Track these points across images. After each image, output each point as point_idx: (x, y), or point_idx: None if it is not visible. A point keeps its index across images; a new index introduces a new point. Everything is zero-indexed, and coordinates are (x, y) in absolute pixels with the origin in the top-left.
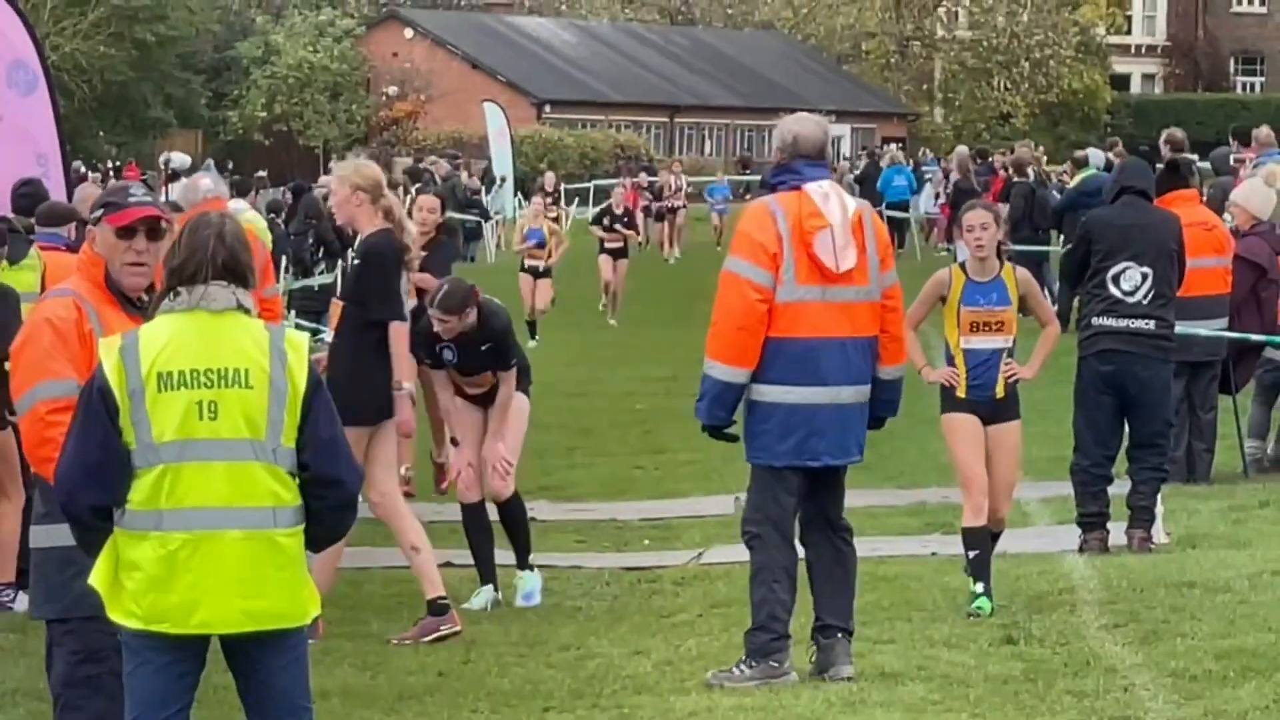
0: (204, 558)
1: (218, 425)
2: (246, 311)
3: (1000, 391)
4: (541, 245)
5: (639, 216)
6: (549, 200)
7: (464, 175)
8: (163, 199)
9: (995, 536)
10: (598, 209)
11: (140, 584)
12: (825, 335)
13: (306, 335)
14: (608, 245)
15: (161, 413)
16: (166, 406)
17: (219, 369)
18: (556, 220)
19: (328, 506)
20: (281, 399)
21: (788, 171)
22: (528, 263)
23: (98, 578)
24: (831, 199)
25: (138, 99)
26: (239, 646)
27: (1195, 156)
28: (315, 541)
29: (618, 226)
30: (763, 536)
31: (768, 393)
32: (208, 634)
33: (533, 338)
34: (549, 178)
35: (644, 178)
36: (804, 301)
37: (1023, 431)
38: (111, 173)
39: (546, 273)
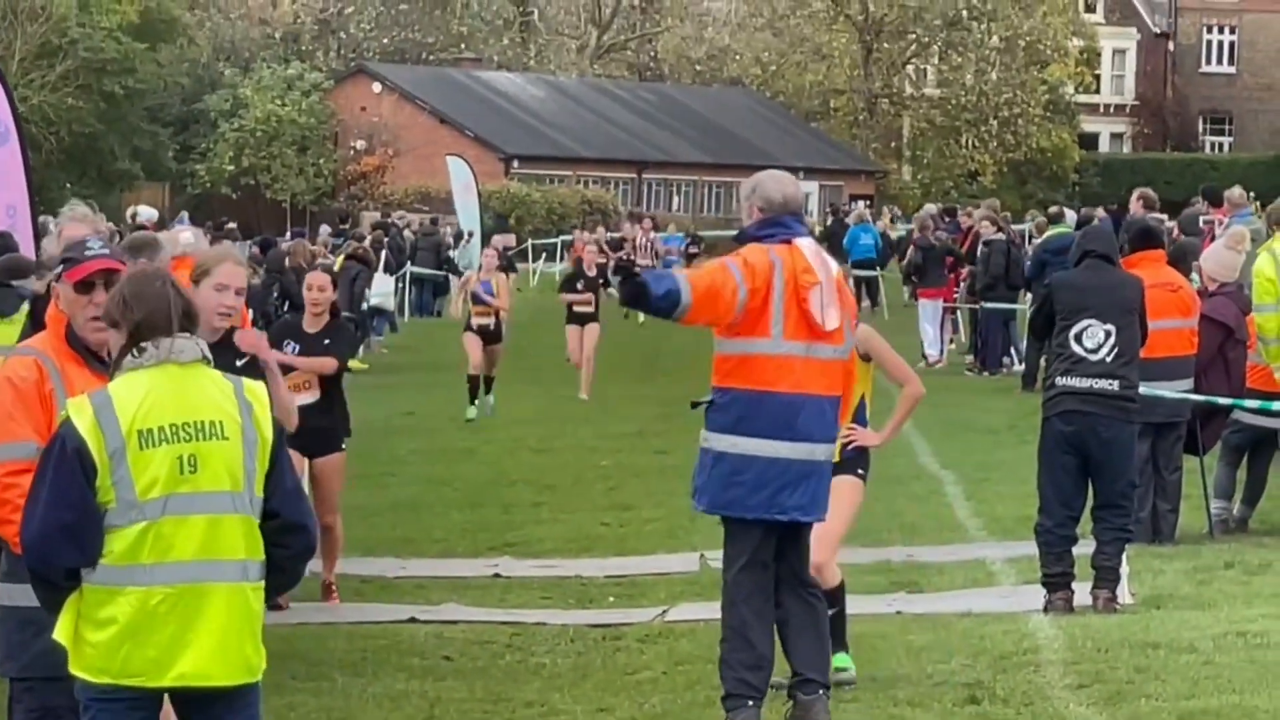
0: (184, 612)
1: (198, 479)
2: (207, 361)
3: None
4: (490, 297)
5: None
6: (498, 265)
7: (444, 231)
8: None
9: (832, 595)
10: (565, 274)
11: (113, 638)
12: (806, 392)
13: (263, 384)
14: (576, 309)
15: (144, 469)
16: (149, 463)
17: (197, 422)
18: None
19: (291, 554)
20: (253, 449)
21: (777, 225)
22: (476, 321)
23: (62, 632)
24: (818, 257)
25: (105, 151)
26: (204, 704)
27: (1165, 216)
28: (273, 590)
29: (581, 285)
30: (730, 592)
31: (743, 445)
32: (182, 689)
33: (472, 402)
34: (497, 241)
35: (602, 233)
36: (790, 356)
37: (861, 491)
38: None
39: (497, 336)
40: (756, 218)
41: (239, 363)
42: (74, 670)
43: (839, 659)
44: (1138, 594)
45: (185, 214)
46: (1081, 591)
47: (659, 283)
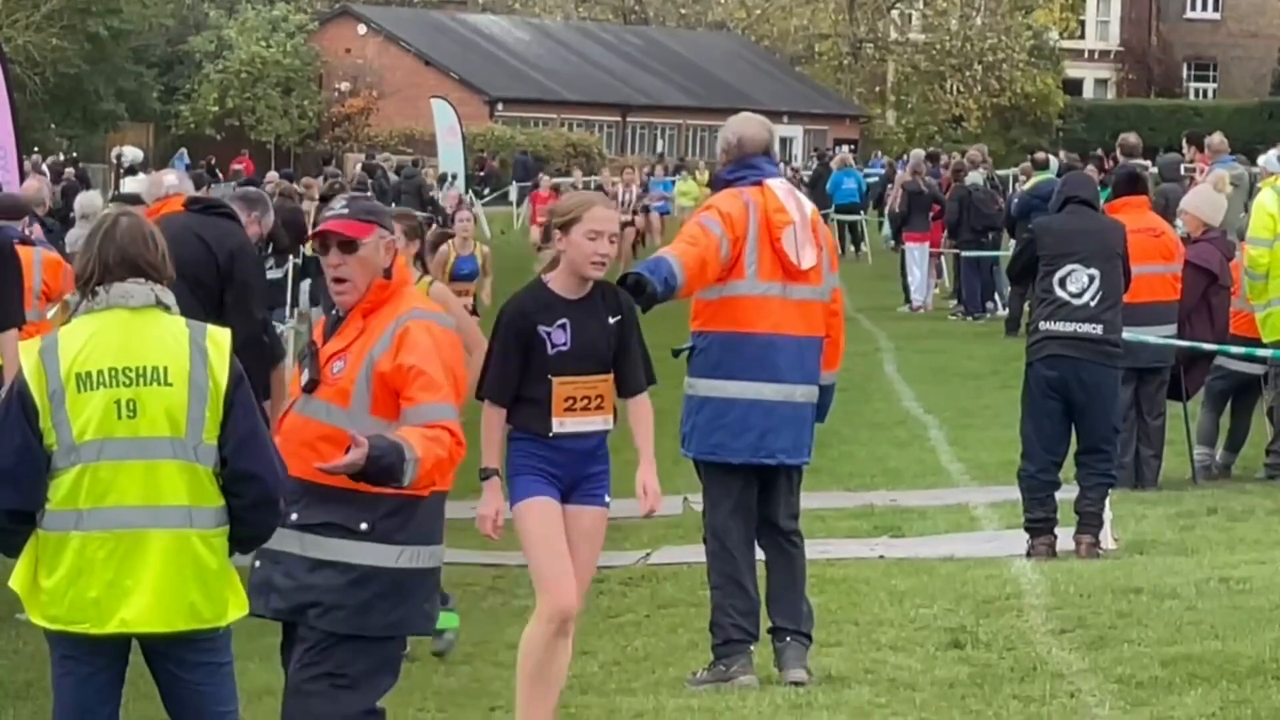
0: (123, 557)
1: (136, 424)
2: (166, 308)
3: None
4: (472, 278)
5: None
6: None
7: (426, 173)
8: (114, 192)
9: None
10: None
11: (59, 584)
12: (783, 332)
13: (228, 331)
14: None
15: (80, 412)
16: (85, 406)
17: (138, 367)
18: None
19: (246, 504)
20: (202, 395)
21: (746, 167)
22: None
23: (17, 580)
24: (791, 196)
25: (90, 92)
26: (158, 651)
27: (1148, 162)
28: (240, 542)
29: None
30: (720, 538)
31: (725, 388)
32: (126, 635)
33: None
34: (451, 197)
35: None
36: (765, 297)
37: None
38: (71, 165)
39: (474, 312)
40: (724, 161)
41: None
42: (30, 617)
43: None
44: (1120, 539)
45: (184, 151)
46: (1064, 536)
47: (656, 276)
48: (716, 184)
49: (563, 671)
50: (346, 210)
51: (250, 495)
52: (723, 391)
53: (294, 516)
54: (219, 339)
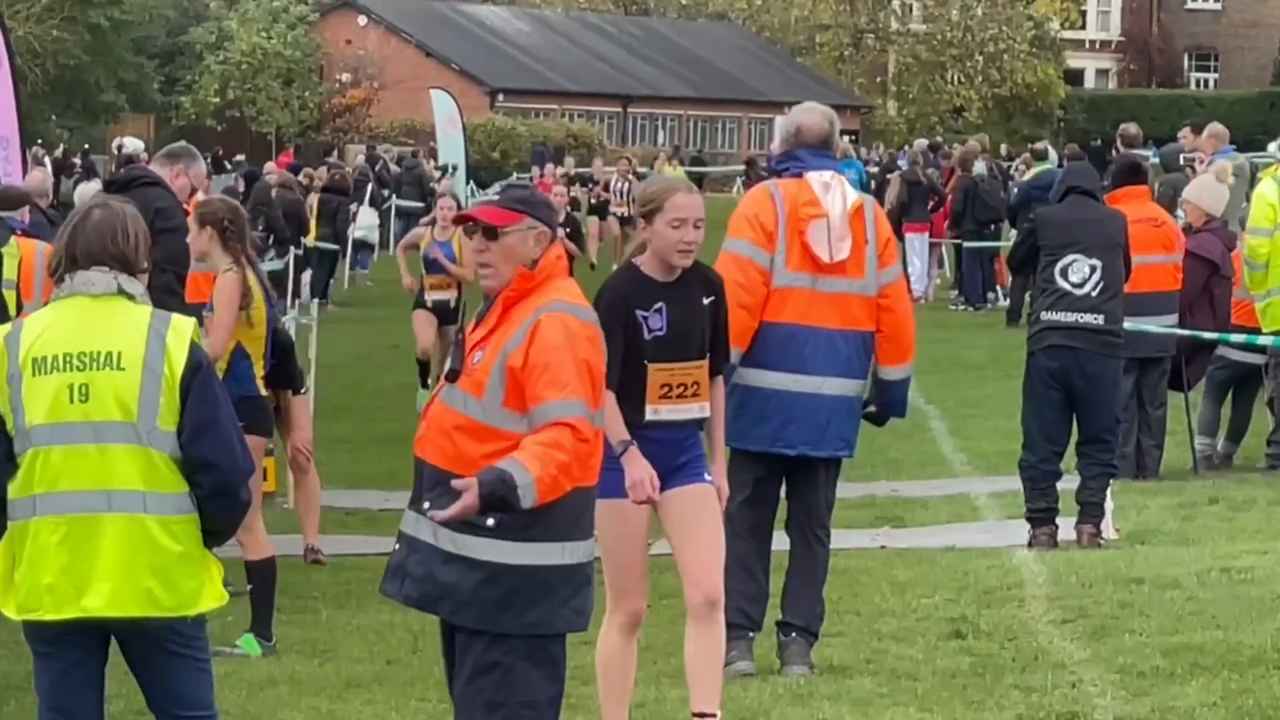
0: (76, 542)
1: (88, 408)
2: (130, 297)
3: None
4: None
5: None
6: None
7: (427, 164)
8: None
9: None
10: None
11: (23, 573)
12: (811, 324)
13: (193, 320)
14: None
15: (34, 397)
16: (39, 390)
17: (91, 351)
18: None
19: (205, 493)
20: (156, 381)
21: (791, 159)
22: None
23: None
24: (833, 189)
25: (90, 83)
26: (128, 642)
27: (1149, 152)
28: (208, 535)
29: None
30: (732, 523)
31: (747, 375)
32: (89, 621)
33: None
34: (444, 186)
35: (561, 168)
36: (791, 288)
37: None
38: (78, 157)
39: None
40: (782, 150)
41: None
42: (3, 609)
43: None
44: (1122, 529)
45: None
46: (1065, 526)
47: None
48: (769, 172)
49: (718, 646)
50: (498, 197)
51: (207, 484)
52: (745, 379)
53: (427, 505)
54: (181, 327)
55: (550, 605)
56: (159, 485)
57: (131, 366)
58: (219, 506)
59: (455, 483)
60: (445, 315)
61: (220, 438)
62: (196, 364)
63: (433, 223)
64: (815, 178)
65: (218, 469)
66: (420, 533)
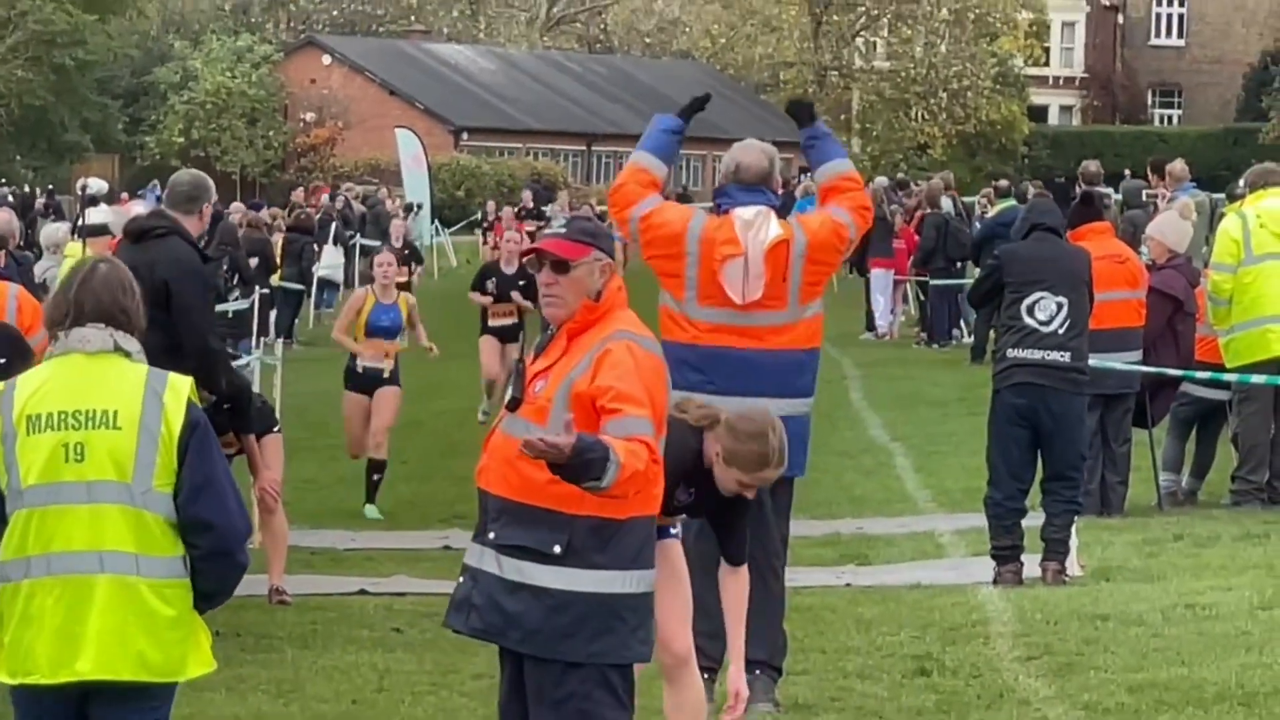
0: (69, 604)
1: (84, 468)
2: (127, 355)
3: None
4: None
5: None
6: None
7: (388, 203)
8: (79, 223)
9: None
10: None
11: (13, 635)
12: (735, 346)
13: (190, 379)
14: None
15: (29, 456)
16: (34, 449)
17: (87, 410)
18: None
19: (201, 554)
20: (153, 441)
21: (722, 195)
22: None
23: None
24: (756, 225)
25: (55, 123)
26: (105, 703)
27: (1111, 190)
28: (202, 596)
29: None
30: (697, 557)
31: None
32: (79, 685)
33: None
34: (395, 226)
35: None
36: (705, 321)
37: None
38: (42, 195)
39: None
40: (720, 185)
41: None
42: None
43: None
44: (1087, 566)
45: (155, 183)
46: (1030, 563)
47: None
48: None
49: (699, 701)
50: (565, 230)
51: (205, 545)
52: None
53: (491, 535)
54: (179, 386)
55: (620, 634)
56: (151, 548)
57: (127, 426)
58: (216, 568)
59: (564, 434)
60: (376, 384)
61: (218, 498)
62: (194, 423)
63: (370, 282)
64: (740, 214)
65: (216, 530)
66: (485, 564)
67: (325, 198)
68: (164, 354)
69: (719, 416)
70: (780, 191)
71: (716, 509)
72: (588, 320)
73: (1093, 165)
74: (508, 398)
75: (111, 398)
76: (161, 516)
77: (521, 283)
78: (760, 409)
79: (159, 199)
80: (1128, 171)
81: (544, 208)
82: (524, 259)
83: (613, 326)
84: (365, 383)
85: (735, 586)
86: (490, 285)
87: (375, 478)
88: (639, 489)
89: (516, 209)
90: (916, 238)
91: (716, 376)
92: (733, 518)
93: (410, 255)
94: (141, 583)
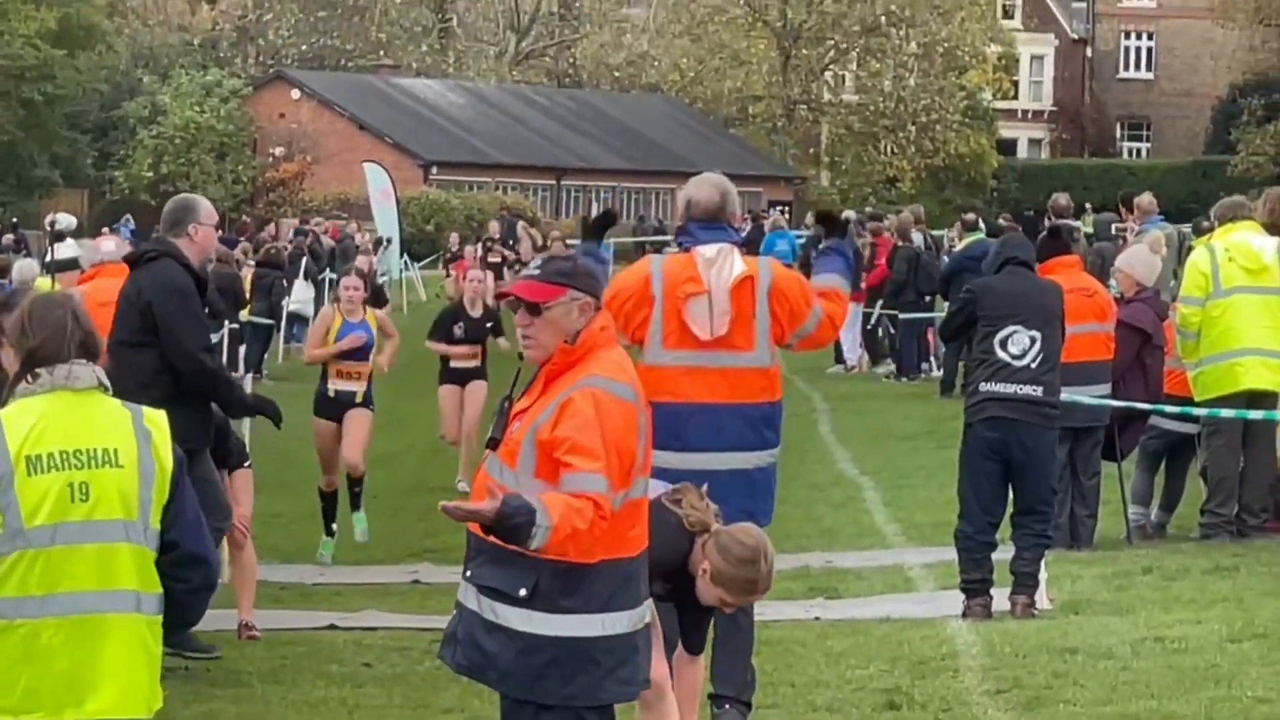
0: (78, 644)
1: (90, 507)
2: (105, 389)
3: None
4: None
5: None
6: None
7: (357, 237)
8: (48, 258)
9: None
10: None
11: (11, 677)
12: (694, 400)
13: (164, 413)
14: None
15: (32, 496)
16: (37, 489)
17: (89, 449)
18: (377, 301)
19: (192, 588)
20: (149, 478)
21: (683, 234)
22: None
23: None
24: (718, 263)
25: (24, 158)
26: None
27: (1079, 224)
28: (170, 627)
29: (462, 329)
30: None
31: None
32: None
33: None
34: (361, 261)
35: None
36: (670, 366)
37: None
38: (10, 231)
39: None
40: (680, 223)
41: None
42: None
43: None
44: (1056, 599)
45: (128, 217)
46: (1000, 597)
47: None
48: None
49: (684, 698)
50: (539, 271)
51: (196, 579)
52: None
53: (469, 574)
54: (159, 421)
55: (594, 676)
56: (149, 585)
57: (129, 464)
58: (200, 600)
59: (488, 499)
60: (347, 410)
61: (205, 532)
62: (180, 458)
63: (337, 301)
64: (702, 252)
65: (207, 564)
66: (467, 600)
67: (292, 232)
68: (160, 375)
69: (710, 525)
70: (740, 225)
71: (690, 604)
72: (565, 362)
73: (1063, 199)
74: (489, 436)
75: (109, 435)
76: (153, 552)
77: (490, 324)
78: (754, 531)
79: (132, 233)
80: (1088, 205)
81: (510, 240)
82: (499, 301)
83: (587, 370)
84: (337, 409)
85: (691, 675)
86: (459, 330)
87: (356, 490)
88: (581, 549)
89: (481, 240)
90: (888, 271)
91: (684, 434)
92: (701, 615)
93: (373, 296)
94: (142, 620)
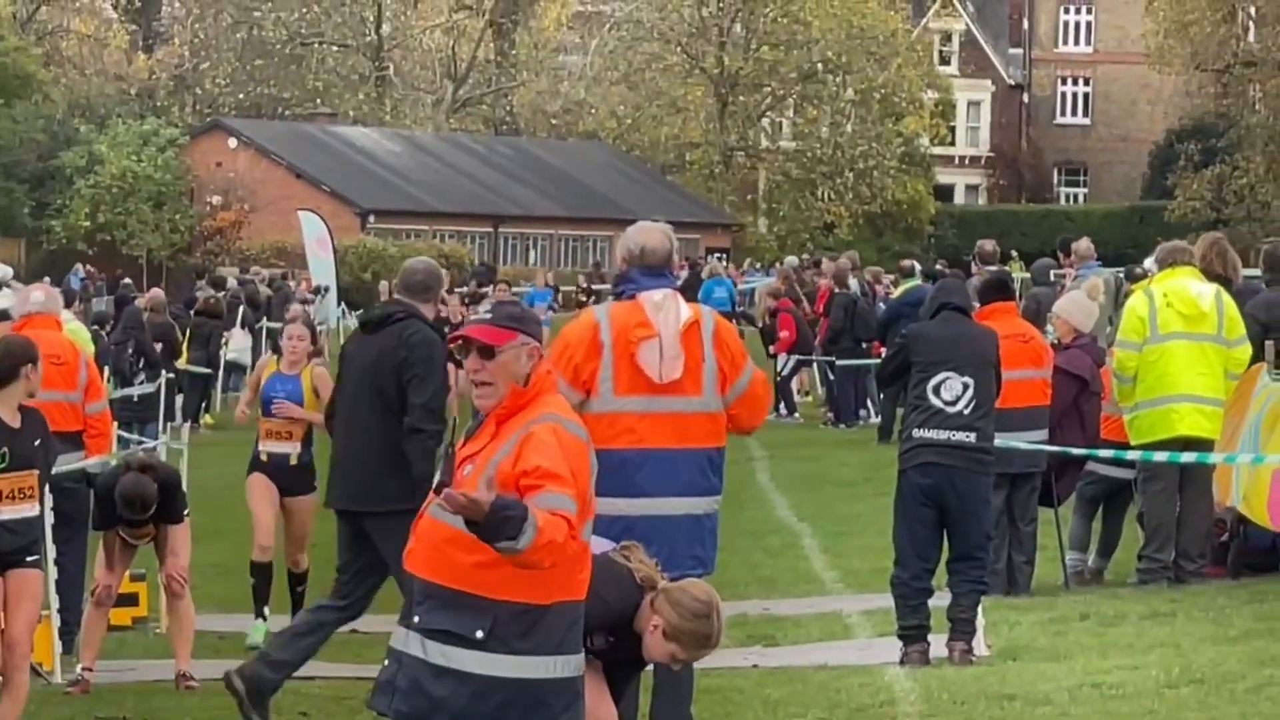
0: None
1: None
2: None
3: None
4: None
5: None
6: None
7: (293, 285)
8: None
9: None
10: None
11: None
12: (646, 446)
13: None
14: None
15: None
16: None
17: None
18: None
19: None
20: None
21: (626, 281)
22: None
23: None
24: (665, 308)
25: None
26: None
27: (1009, 268)
28: None
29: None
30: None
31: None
32: None
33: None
34: (294, 310)
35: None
36: (621, 413)
37: None
38: None
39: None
40: (622, 269)
41: None
42: None
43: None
44: (993, 645)
45: (79, 266)
46: (938, 643)
47: None
48: (615, 296)
49: None
50: (490, 315)
51: None
52: None
53: (416, 619)
54: None
55: (545, 718)
56: None
57: None
58: None
59: (481, 488)
60: (288, 477)
61: None
62: None
63: (278, 351)
64: (647, 298)
65: None
66: (410, 647)
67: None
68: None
69: (657, 582)
70: (677, 273)
71: (625, 664)
72: (516, 405)
73: (988, 244)
74: (435, 482)
75: None
76: None
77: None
78: (703, 585)
79: (82, 280)
80: (1014, 252)
81: (482, 290)
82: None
83: (540, 410)
84: (271, 471)
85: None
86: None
87: (299, 589)
88: (556, 562)
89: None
90: (824, 317)
91: (638, 480)
92: (629, 673)
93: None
94: None
